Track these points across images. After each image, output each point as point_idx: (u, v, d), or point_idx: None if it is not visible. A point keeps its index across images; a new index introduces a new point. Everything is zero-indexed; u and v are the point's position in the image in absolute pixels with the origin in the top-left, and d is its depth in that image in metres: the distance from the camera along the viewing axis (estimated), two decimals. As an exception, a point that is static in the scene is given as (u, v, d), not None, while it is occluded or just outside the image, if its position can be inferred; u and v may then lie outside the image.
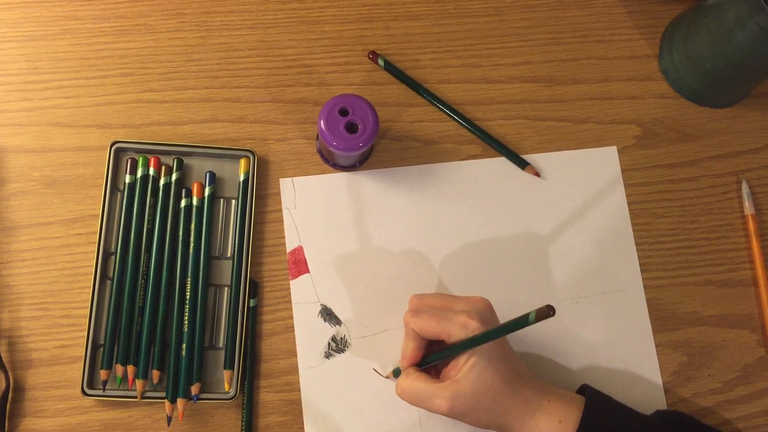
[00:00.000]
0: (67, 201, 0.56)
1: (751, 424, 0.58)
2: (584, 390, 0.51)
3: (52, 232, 0.56)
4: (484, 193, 0.60)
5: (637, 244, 0.60)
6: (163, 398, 0.53)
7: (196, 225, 0.56)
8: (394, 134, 0.60)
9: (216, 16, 0.61)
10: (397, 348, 0.55)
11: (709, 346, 0.59)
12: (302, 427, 0.54)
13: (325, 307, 0.56)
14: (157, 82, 0.59)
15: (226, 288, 0.56)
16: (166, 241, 0.55)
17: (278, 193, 0.58)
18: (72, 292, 0.55)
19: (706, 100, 0.63)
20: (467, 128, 0.61)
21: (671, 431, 0.50)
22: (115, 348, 0.53)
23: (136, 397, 0.53)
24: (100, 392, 0.52)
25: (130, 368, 0.53)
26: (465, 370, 0.47)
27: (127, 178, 0.56)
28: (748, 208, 0.61)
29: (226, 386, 0.53)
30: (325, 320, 0.56)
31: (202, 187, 0.56)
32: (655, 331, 0.59)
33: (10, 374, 0.53)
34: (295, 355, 0.55)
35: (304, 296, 0.56)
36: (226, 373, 0.53)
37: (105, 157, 0.56)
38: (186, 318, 0.54)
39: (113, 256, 0.55)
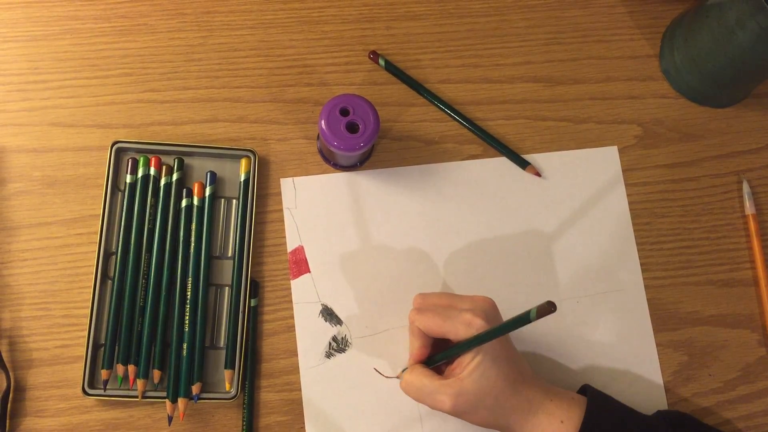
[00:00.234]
0: (67, 201, 0.56)
1: (751, 423, 0.58)
2: (586, 390, 0.51)
3: (53, 232, 0.56)
4: (484, 192, 0.60)
5: (637, 243, 0.60)
6: (164, 398, 0.53)
7: (196, 225, 0.56)
8: (394, 134, 0.60)
9: (217, 16, 0.61)
10: (399, 348, 0.55)
11: (709, 345, 0.59)
12: (303, 427, 0.54)
13: (326, 306, 0.56)
14: (158, 82, 0.59)
15: (226, 288, 0.56)
16: (167, 240, 0.55)
17: (279, 193, 0.58)
18: (73, 292, 0.55)
19: (707, 100, 0.63)
20: (468, 128, 0.61)
21: (672, 431, 0.50)
22: (116, 348, 0.53)
23: (137, 397, 0.53)
24: (101, 392, 0.52)
25: (131, 368, 0.53)
26: (470, 368, 0.47)
27: (128, 178, 0.56)
28: (749, 207, 0.61)
29: (227, 386, 0.53)
30: (325, 320, 0.56)
31: (202, 187, 0.56)
32: (655, 331, 0.59)
33: (11, 374, 0.53)
34: (296, 355, 0.55)
35: (304, 296, 0.56)
36: (227, 373, 0.53)
37: (106, 157, 0.56)
38: (187, 318, 0.54)
39: (114, 256, 0.55)
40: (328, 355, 0.56)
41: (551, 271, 0.59)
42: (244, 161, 0.57)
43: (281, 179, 0.59)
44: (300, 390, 0.55)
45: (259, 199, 0.58)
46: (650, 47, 0.65)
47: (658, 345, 0.58)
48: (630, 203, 0.61)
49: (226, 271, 0.56)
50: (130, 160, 0.56)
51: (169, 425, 0.53)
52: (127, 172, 0.56)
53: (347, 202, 0.58)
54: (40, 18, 0.60)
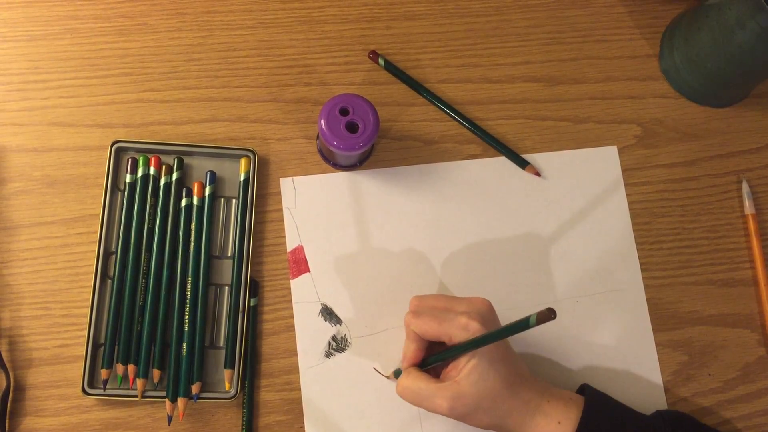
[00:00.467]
0: (67, 200, 0.56)
1: (751, 423, 0.58)
2: (584, 390, 0.51)
3: (53, 232, 0.56)
4: (484, 192, 0.60)
5: (637, 243, 0.60)
6: (163, 397, 0.53)
7: (196, 224, 0.56)
8: (394, 134, 0.61)
9: (216, 15, 0.61)
10: (398, 347, 0.55)
11: (709, 345, 0.59)
12: (303, 427, 0.54)
13: (326, 306, 0.56)
14: (158, 82, 0.59)
15: (226, 287, 0.56)
16: (167, 240, 0.55)
17: (279, 193, 0.58)
18: (72, 292, 0.55)
19: (707, 99, 0.63)
20: (468, 128, 0.61)
21: (671, 431, 0.50)
22: (116, 347, 0.53)
23: (136, 397, 0.53)
24: (101, 391, 0.53)
25: (131, 367, 0.53)
26: (466, 371, 0.47)
27: (128, 178, 0.56)
28: (749, 207, 0.61)
29: (227, 385, 0.53)
30: (325, 319, 0.56)
31: (202, 187, 0.56)
32: (655, 331, 0.59)
33: (10, 373, 0.53)
34: (296, 355, 0.55)
35: (304, 295, 0.56)
36: (227, 373, 0.53)
37: (105, 157, 0.56)
38: (186, 317, 0.54)
39: (114, 256, 0.55)
40: (328, 355, 0.56)
41: (550, 271, 0.59)
42: (243, 161, 0.57)
43: (281, 179, 0.59)
44: (299, 389, 0.55)
45: (259, 198, 0.58)
46: (650, 47, 0.65)
47: (657, 345, 0.58)
48: (629, 203, 0.61)
49: (225, 271, 0.56)
50: (129, 159, 0.56)
51: (169, 425, 0.53)
52: (126, 172, 0.56)
53: (347, 201, 0.58)
54: (40, 18, 0.60)
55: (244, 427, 0.53)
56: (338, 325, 0.56)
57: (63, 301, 0.55)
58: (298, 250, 0.57)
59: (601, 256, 0.59)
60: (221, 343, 0.55)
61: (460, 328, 0.47)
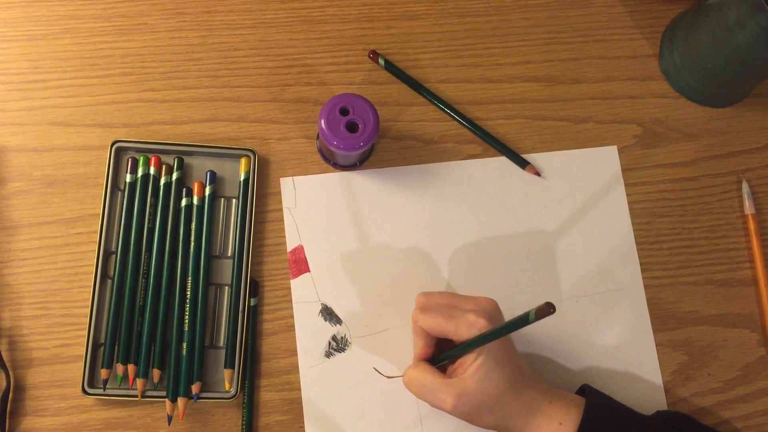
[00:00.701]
0: (67, 200, 0.56)
1: (751, 423, 0.58)
2: (585, 390, 0.51)
3: (53, 232, 0.56)
4: (484, 192, 0.60)
5: (637, 243, 0.60)
6: (163, 397, 0.53)
7: (196, 224, 0.56)
8: (394, 134, 0.61)
9: (216, 15, 0.61)
10: (398, 347, 0.55)
11: (709, 345, 0.59)
12: (303, 426, 0.54)
13: (326, 306, 0.56)
14: (158, 82, 0.59)
15: (226, 287, 0.56)
16: (167, 240, 0.55)
17: (279, 193, 0.58)
18: (72, 291, 0.55)
19: (707, 99, 0.63)
20: (468, 128, 0.61)
21: None
22: (116, 347, 0.53)
23: (136, 396, 0.53)
24: (101, 391, 0.53)
25: (131, 367, 0.53)
26: (472, 369, 0.47)
27: (128, 178, 0.56)
28: (749, 207, 0.61)
29: (227, 385, 0.53)
30: (325, 319, 0.56)
31: (202, 187, 0.56)
32: (655, 331, 0.59)
33: (10, 373, 0.53)
34: (296, 355, 0.55)
35: (304, 295, 0.56)
36: (227, 372, 0.53)
37: (105, 157, 0.56)
38: (186, 317, 0.54)
39: (114, 256, 0.55)
40: (328, 355, 0.56)
41: (550, 271, 0.59)
42: (243, 161, 0.57)
43: (281, 179, 0.59)
44: (299, 389, 0.55)
45: (259, 198, 0.58)
46: (650, 47, 0.65)
47: (657, 345, 0.58)
48: (629, 203, 0.61)
49: (225, 271, 0.56)
50: (129, 159, 0.56)
51: (169, 425, 0.53)
52: (126, 172, 0.56)
53: (347, 201, 0.58)
54: (40, 17, 0.60)
55: (244, 427, 0.53)
56: (338, 325, 0.56)
57: (63, 301, 0.55)
58: (298, 250, 0.57)
59: (601, 256, 0.59)
60: (221, 343, 0.55)
61: (467, 325, 0.47)
